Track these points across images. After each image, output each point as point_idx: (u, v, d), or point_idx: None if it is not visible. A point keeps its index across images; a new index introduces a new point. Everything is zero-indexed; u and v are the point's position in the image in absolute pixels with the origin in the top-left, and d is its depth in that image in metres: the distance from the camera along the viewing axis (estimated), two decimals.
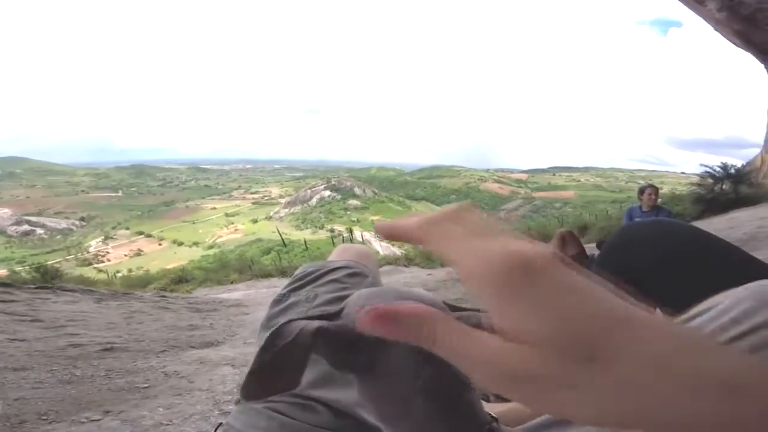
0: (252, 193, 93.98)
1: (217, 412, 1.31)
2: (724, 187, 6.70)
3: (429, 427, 0.41)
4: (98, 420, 1.23)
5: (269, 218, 75.05)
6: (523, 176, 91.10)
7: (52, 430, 1.16)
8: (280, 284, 6.24)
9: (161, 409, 1.31)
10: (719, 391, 0.14)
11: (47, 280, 4.58)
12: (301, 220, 70.40)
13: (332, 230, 49.53)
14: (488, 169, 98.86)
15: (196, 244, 65.18)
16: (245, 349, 1.82)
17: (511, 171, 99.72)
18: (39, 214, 73.11)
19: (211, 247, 60.64)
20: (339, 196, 77.00)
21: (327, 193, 77.56)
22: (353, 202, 75.63)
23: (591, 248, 3.17)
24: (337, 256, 0.78)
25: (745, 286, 0.36)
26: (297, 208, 75.69)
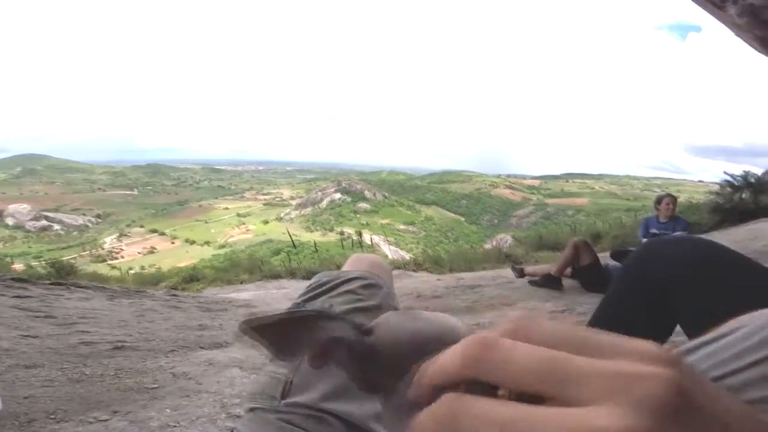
0: (264, 194, 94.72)
1: (224, 416, 1.31)
2: (743, 196, 6.52)
3: None
4: (106, 420, 1.23)
5: (280, 219, 75.57)
6: (536, 182, 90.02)
7: (60, 430, 1.16)
8: (289, 285, 6.29)
9: (168, 411, 1.31)
10: None
11: (62, 276, 4.67)
12: (311, 222, 70.65)
13: (342, 233, 49.64)
14: (500, 175, 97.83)
15: (207, 243, 65.87)
16: (253, 351, 1.81)
17: (524, 177, 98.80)
18: (57, 210, 74.87)
19: (222, 246, 61.23)
20: (349, 199, 77.16)
21: (337, 195, 77.80)
22: (363, 205, 75.72)
23: (604, 257, 3.11)
24: (351, 266, 0.78)
25: None
26: (307, 210, 76.09)
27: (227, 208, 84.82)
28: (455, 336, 0.25)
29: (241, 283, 7.32)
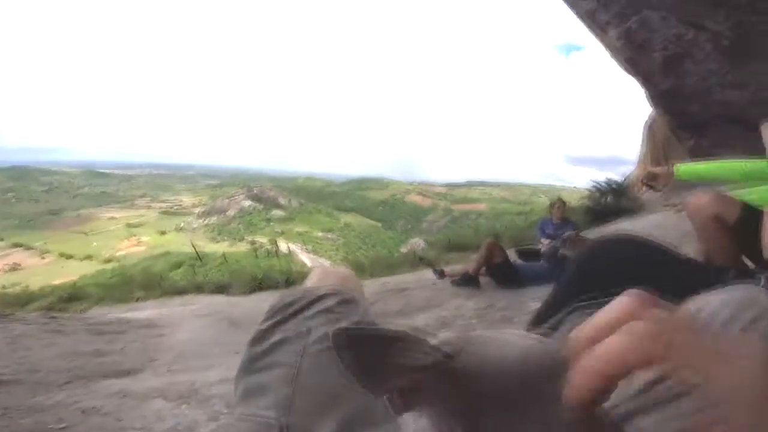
0: (160, 202, 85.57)
1: None
2: (608, 200, 7.80)
3: None
4: None
5: (180, 229, 68.78)
6: (443, 189, 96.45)
7: None
8: (197, 301, 5.75)
9: None
10: None
11: None
12: (218, 232, 65.58)
13: (253, 242, 46.94)
14: (413, 182, 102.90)
15: (89, 257, 56.97)
16: (173, 378, 1.61)
17: (433, 184, 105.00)
18: None
19: (108, 260, 53.40)
20: (261, 207, 73.52)
21: (248, 203, 73.52)
22: (277, 212, 72.71)
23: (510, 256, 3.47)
24: (317, 281, 0.69)
25: (725, 289, 0.41)
26: (213, 219, 70.42)
27: (114, 218, 74.86)
28: (560, 359, 0.23)
29: (137, 300, 6.51)
